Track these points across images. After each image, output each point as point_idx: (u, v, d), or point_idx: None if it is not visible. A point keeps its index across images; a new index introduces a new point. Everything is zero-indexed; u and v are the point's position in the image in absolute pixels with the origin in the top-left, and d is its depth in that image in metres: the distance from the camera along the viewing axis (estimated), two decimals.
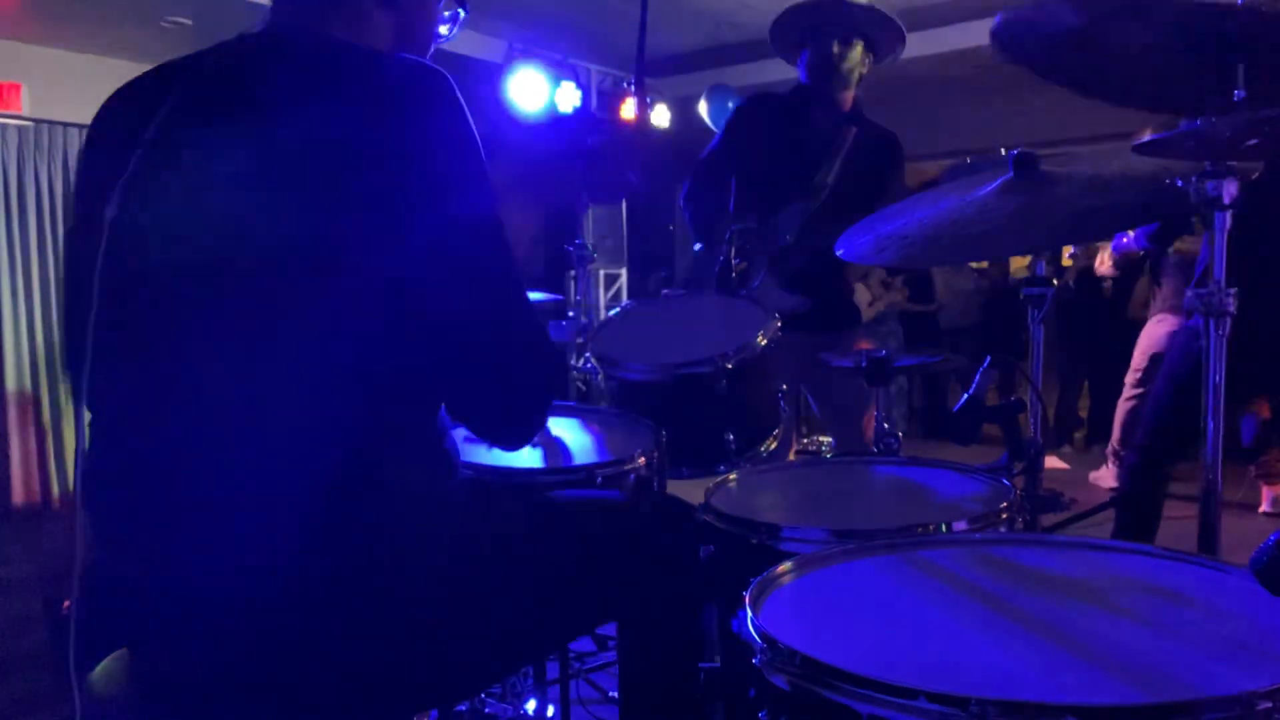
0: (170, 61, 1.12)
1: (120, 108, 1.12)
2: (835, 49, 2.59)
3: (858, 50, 2.62)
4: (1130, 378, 4.73)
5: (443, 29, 1.26)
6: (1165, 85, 1.24)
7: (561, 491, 1.44)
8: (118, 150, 1.04)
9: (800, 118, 2.71)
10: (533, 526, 1.25)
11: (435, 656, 1.08)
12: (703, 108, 6.42)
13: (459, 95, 1.03)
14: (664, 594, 1.29)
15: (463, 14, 1.28)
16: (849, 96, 2.70)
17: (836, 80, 2.63)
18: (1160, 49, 1.14)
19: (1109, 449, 4.96)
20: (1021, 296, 1.55)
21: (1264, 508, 4.56)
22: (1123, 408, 4.80)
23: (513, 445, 1.21)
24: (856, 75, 2.66)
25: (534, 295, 2.68)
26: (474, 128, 1.03)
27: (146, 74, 1.13)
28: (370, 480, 1.02)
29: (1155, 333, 4.56)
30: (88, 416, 1.05)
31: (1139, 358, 4.66)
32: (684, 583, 1.31)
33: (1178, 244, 4.17)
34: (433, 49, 1.24)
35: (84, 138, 1.18)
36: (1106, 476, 4.83)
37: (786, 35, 2.72)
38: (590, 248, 2.26)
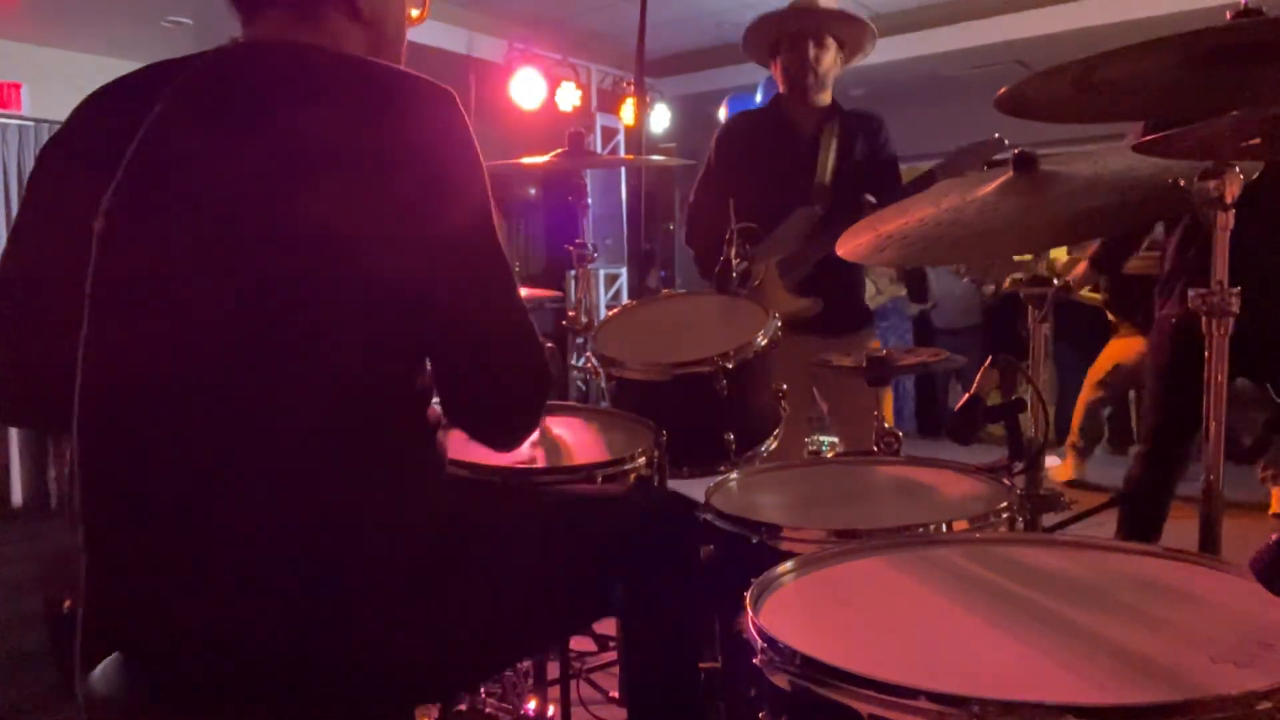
0: (156, 64, 1.09)
1: (104, 112, 1.08)
2: (812, 53, 2.65)
3: (831, 52, 2.68)
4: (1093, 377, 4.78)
5: (414, 11, 1.24)
6: (1168, 98, 1.23)
7: (563, 487, 1.45)
8: (102, 158, 1.01)
9: (785, 126, 2.77)
10: (532, 519, 1.26)
11: (435, 650, 1.08)
12: (722, 115, 6.41)
13: (458, 102, 1.04)
14: (664, 590, 1.29)
15: None
16: (826, 96, 2.75)
17: (814, 83, 2.69)
18: (1163, 70, 1.14)
19: (1068, 442, 4.98)
20: (1021, 296, 1.55)
21: (1275, 509, 4.55)
22: (1082, 403, 4.83)
23: (504, 445, 1.21)
24: (832, 76, 2.72)
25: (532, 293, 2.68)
26: (472, 132, 1.04)
27: (130, 76, 1.09)
28: (367, 478, 1.02)
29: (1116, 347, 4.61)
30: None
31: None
32: (684, 580, 1.31)
33: (1132, 264, 3.63)
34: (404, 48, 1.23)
35: (52, 137, 1.10)
36: (1063, 469, 4.83)
37: (760, 42, 2.78)
38: (590, 248, 2.25)
